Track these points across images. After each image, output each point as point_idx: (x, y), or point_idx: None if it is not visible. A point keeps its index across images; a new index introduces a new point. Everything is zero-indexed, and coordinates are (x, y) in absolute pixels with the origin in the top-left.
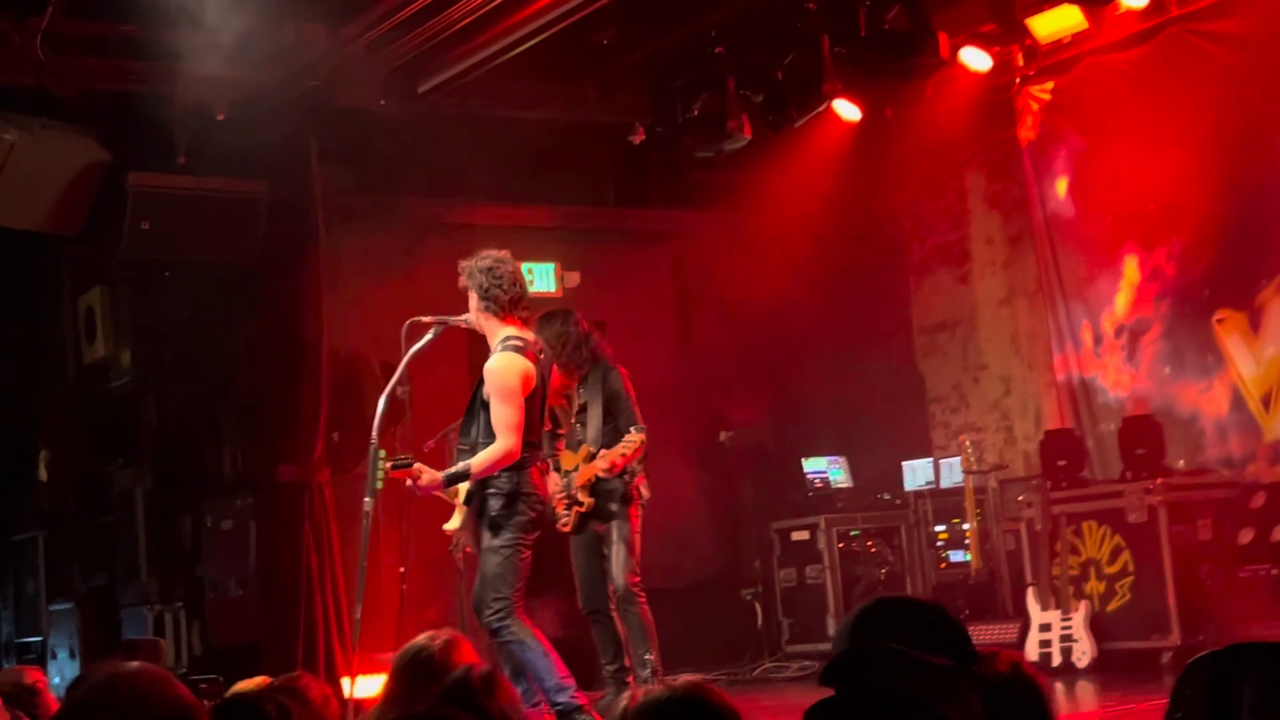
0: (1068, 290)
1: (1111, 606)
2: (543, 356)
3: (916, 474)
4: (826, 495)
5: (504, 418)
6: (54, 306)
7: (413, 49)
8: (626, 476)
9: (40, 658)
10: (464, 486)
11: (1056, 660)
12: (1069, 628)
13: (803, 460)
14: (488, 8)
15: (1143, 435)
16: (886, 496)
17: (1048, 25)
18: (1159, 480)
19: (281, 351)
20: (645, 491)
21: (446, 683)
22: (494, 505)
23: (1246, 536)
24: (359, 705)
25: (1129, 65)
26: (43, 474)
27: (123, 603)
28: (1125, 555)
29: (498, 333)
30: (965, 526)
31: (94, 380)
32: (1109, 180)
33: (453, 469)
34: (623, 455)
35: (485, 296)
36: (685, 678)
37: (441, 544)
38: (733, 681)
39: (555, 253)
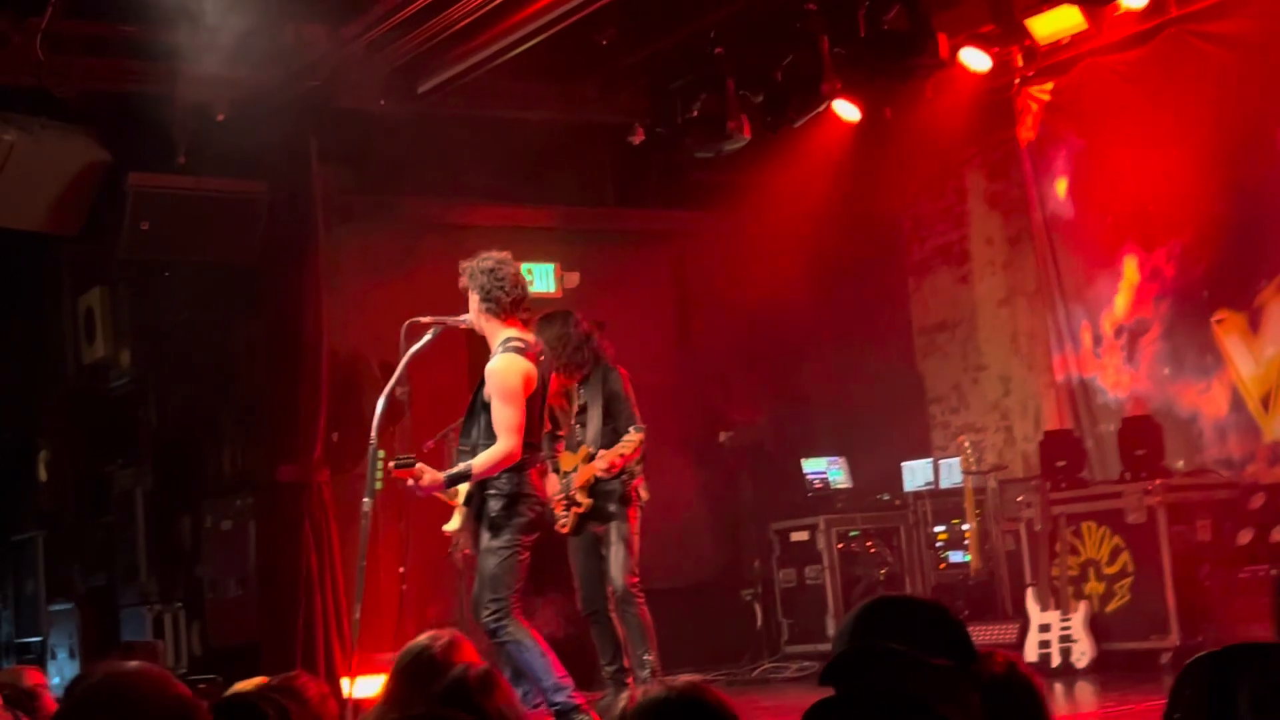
0: (1067, 291)
1: (1111, 607)
2: (543, 358)
3: (916, 474)
4: (826, 496)
5: (505, 419)
6: (54, 306)
7: (412, 49)
8: (625, 477)
9: (40, 658)
10: (464, 487)
11: (1056, 661)
12: (1068, 628)
13: (802, 460)
14: (488, 8)
15: (1142, 436)
16: (886, 497)
17: (1047, 26)
18: (1158, 481)
19: (281, 351)
20: (644, 493)
21: (443, 683)
22: (494, 506)
23: (1246, 537)
24: (358, 705)
25: (1128, 66)
26: (42, 474)
27: (122, 603)
28: (1124, 556)
29: (499, 334)
30: (965, 527)
31: (94, 380)
32: (1108, 181)
33: (454, 469)
34: (621, 455)
35: (487, 298)
36: (684, 678)
37: (441, 544)
38: (732, 682)
39: (555, 253)
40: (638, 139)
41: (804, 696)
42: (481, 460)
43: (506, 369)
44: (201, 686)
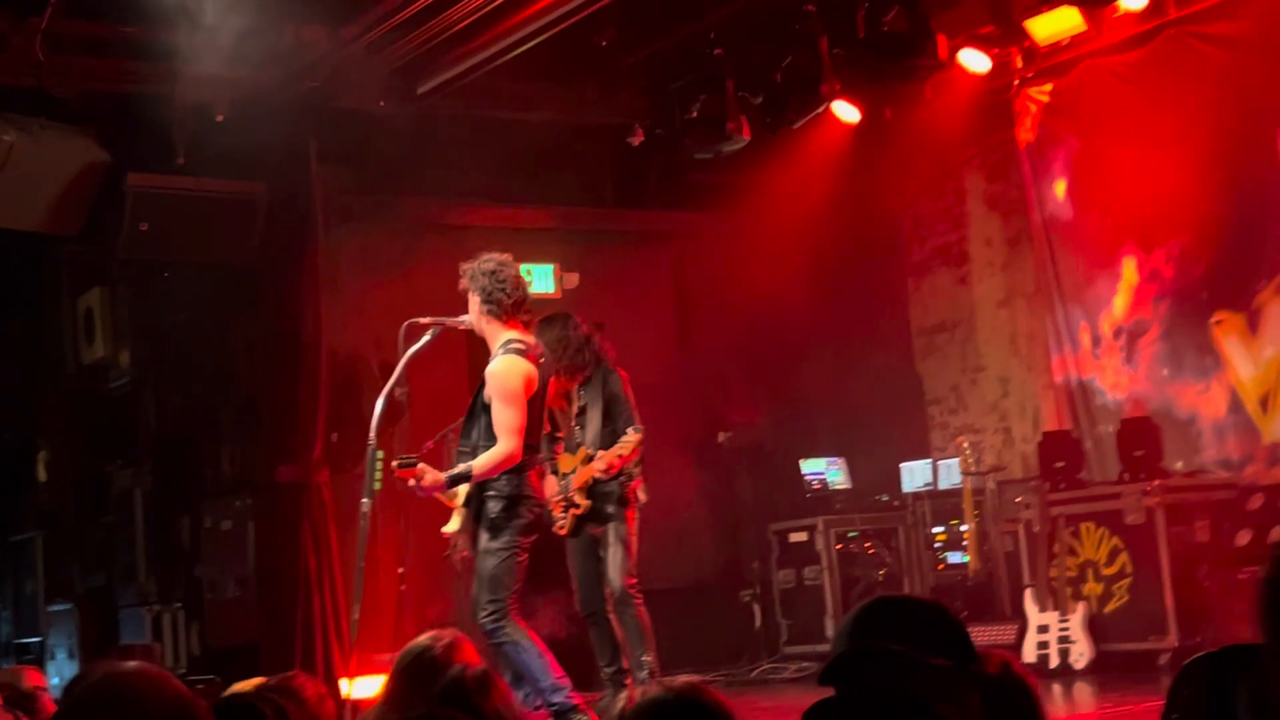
0: (1066, 292)
1: (1109, 608)
2: (543, 360)
3: (915, 475)
4: (825, 496)
5: (506, 420)
6: (53, 307)
7: (412, 50)
8: (623, 479)
9: (39, 658)
10: (463, 489)
11: (1054, 662)
12: (1067, 629)
13: (801, 461)
14: (487, 9)
15: (1141, 437)
16: (885, 498)
17: (1046, 27)
18: (1157, 482)
19: (280, 352)
20: (642, 495)
21: (441, 683)
22: (493, 508)
23: (1244, 538)
24: (357, 706)
25: (1127, 67)
26: (42, 474)
27: (121, 603)
28: (1123, 557)
29: (499, 336)
30: (963, 528)
31: (93, 380)
32: (1107, 182)
33: (455, 470)
34: (620, 456)
35: (488, 300)
36: (683, 679)
37: (440, 545)
38: (730, 682)
39: (554, 254)
40: (637, 140)
41: (803, 697)
42: (482, 461)
43: (507, 371)
44: (200, 687)
